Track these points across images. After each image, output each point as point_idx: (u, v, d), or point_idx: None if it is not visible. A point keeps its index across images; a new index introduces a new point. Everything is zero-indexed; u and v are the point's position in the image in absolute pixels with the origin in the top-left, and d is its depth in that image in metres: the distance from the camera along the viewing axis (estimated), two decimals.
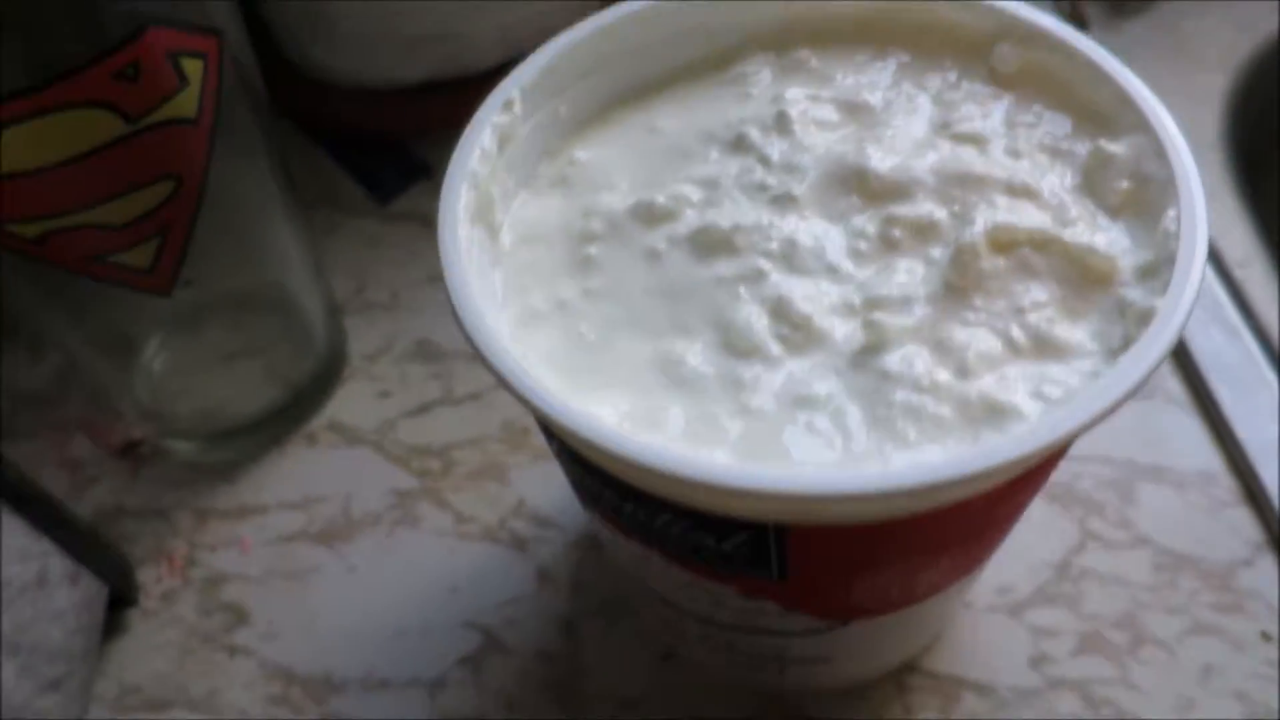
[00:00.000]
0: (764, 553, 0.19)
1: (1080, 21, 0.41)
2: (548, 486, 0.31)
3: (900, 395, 0.18)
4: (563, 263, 0.21)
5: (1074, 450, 0.30)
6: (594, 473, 0.19)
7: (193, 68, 0.23)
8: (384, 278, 0.37)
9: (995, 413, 0.17)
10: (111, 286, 0.26)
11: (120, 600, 0.29)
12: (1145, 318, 0.17)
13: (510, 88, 0.21)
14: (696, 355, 0.19)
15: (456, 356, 0.34)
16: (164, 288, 0.26)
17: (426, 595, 0.29)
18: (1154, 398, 0.32)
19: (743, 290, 0.19)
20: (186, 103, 0.23)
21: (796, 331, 0.19)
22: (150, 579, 0.30)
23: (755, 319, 0.19)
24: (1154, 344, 0.17)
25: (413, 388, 0.34)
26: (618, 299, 0.20)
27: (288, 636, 0.29)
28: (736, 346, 0.19)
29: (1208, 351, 0.32)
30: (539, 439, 0.32)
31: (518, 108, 0.21)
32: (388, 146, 0.40)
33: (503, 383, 0.17)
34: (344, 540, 0.31)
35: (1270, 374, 0.31)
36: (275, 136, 0.28)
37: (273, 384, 0.32)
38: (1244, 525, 0.29)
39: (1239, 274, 0.34)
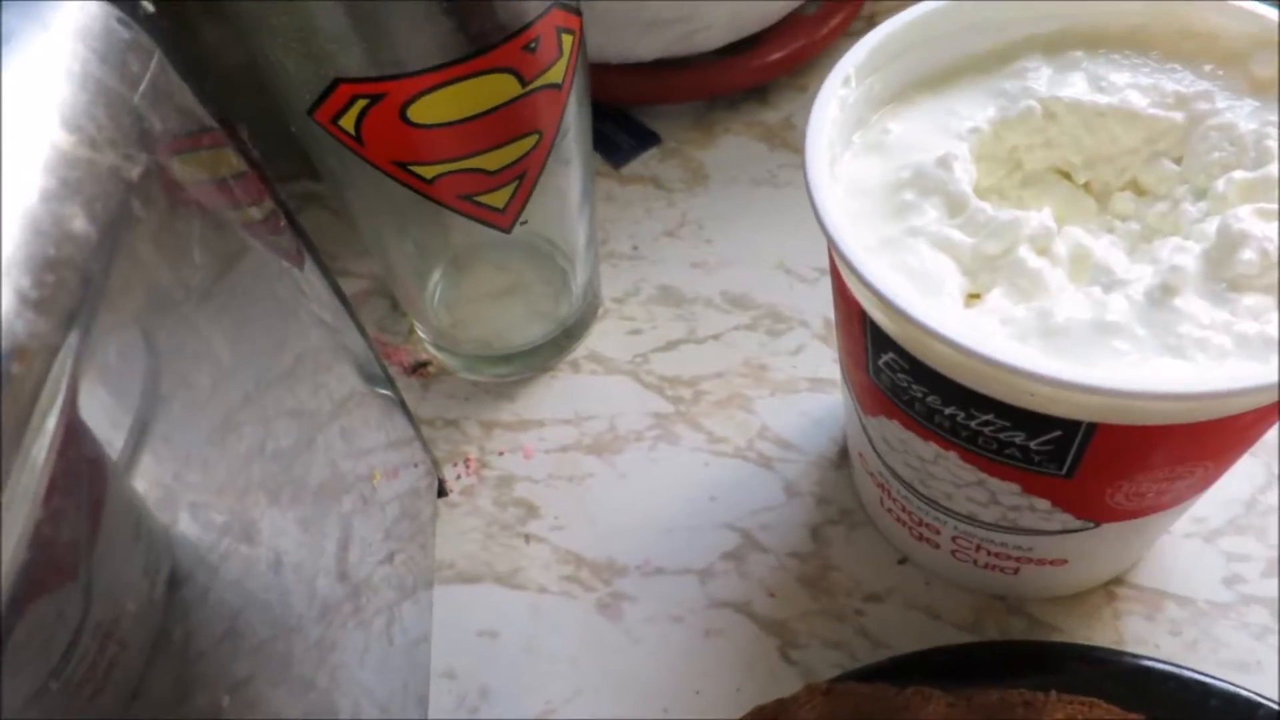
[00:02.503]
0: (1065, 450, 0.23)
1: None
2: (787, 415, 0.36)
3: (1186, 329, 0.22)
4: (883, 209, 0.25)
5: None
6: (929, 381, 0.23)
7: (567, 41, 0.28)
8: (624, 232, 0.41)
9: (1270, 348, 0.21)
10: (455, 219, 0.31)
11: (436, 492, 0.34)
12: None
13: (847, 65, 0.26)
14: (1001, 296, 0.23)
15: (696, 301, 0.39)
16: (508, 224, 0.31)
17: (689, 501, 0.34)
18: None
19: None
20: (558, 70, 0.28)
21: (1087, 273, 0.23)
22: (450, 476, 0.35)
23: (1048, 269, 0.23)
24: None
25: (660, 327, 0.39)
26: (934, 238, 0.24)
27: (573, 528, 0.34)
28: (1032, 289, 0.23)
29: None
30: (777, 374, 0.37)
31: (853, 82, 0.26)
32: (621, 116, 0.44)
33: (881, 298, 0.22)
34: (613, 452, 0.36)
35: None
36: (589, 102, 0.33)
37: (542, 320, 0.37)
38: None
39: None
